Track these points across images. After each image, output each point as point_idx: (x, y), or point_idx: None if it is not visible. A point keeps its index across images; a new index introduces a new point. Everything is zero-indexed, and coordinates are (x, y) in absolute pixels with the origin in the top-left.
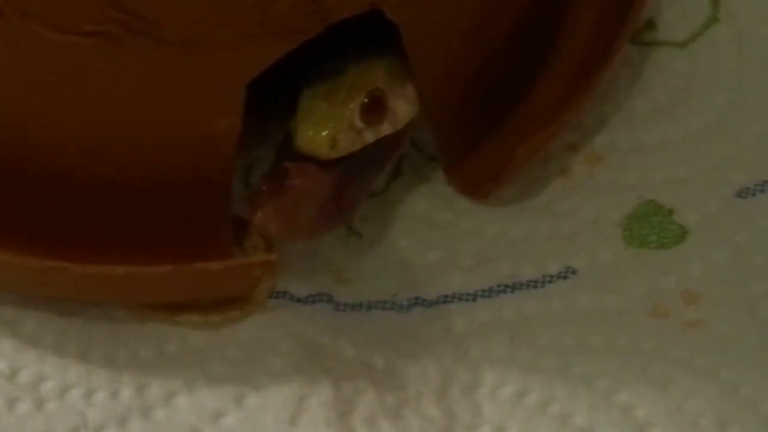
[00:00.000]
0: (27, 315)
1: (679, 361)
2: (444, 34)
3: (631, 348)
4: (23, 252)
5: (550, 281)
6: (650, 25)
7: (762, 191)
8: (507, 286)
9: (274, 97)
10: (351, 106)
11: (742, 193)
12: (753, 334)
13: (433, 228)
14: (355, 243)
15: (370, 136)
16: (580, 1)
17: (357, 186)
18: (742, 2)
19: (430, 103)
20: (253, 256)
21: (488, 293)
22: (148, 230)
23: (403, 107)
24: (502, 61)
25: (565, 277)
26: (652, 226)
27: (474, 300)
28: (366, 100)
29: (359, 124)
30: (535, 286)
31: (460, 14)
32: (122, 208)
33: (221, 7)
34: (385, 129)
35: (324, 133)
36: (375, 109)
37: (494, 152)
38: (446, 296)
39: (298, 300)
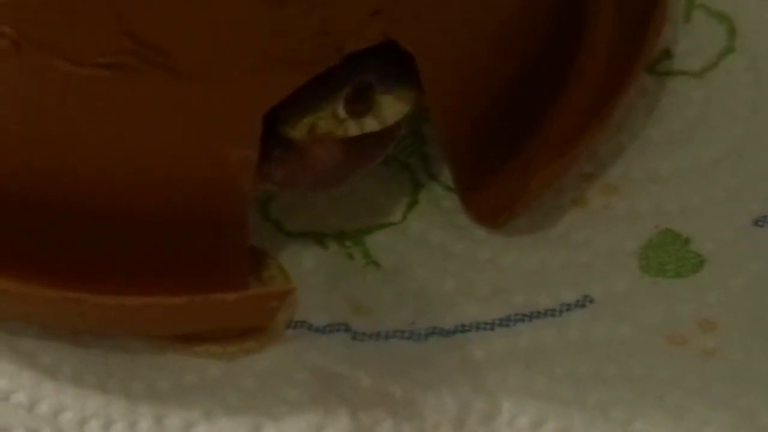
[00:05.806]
0: (46, 347)
1: (695, 390)
2: (459, 65)
3: (648, 377)
4: (41, 283)
5: (567, 310)
6: (666, 54)
7: None
8: (524, 315)
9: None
10: (337, 94)
11: (759, 222)
12: None
13: (450, 257)
14: (372, 272)
15: (353, 129)
16: (595, 31)
17: (361, 157)
18: (758, 32)
19: (446, 133)
20: (271, 287)
21: (505, 322)
22: (164, 261)
23: (392, 104)
24: (518, 90)
25: (582, 306)
26: (669, 255)
27: (491, 329)
28: (352, 90)
29: (342, 113)
30: (552, 315)
31: (476, 45)
32: (139, 239)
33: (234, 38)
34: (370, 124)
35: (305, 118)
36: (360, 101)
37: (510, 182)
38: (463, 325)
39: (316, 330)
